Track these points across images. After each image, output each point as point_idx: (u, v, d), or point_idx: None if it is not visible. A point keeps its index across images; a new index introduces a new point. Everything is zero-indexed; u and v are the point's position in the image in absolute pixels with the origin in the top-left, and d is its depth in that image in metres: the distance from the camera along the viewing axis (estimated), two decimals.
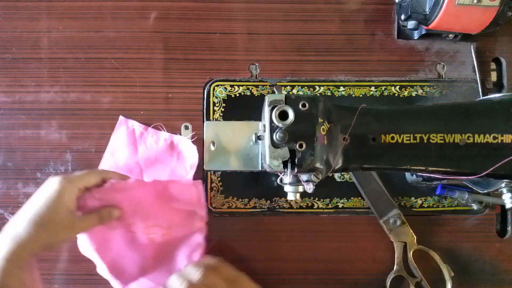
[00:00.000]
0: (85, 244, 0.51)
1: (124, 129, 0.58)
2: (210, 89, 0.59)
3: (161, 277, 0.52)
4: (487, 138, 0.42)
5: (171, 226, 0.53)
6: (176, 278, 0.46)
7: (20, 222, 0.43)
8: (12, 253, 0.41)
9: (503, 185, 0.48)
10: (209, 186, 0.58)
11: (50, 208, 0.43)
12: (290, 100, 0.40)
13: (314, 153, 0.39)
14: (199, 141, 0.58)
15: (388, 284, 0.56)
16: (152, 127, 0.58)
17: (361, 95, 0.59)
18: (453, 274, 0.55)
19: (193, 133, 0.57)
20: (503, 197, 0.50)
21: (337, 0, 0.61)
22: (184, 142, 0.57)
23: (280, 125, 0.40)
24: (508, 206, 0.49)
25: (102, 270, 0.51)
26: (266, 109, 0.40)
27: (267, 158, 0.40)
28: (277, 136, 0.39)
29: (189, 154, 0.57)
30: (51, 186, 0.45)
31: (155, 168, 0.58)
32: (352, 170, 0.45)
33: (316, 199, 0.58)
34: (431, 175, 0.46)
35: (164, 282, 0.47)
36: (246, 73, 0.60)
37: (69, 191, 0.45)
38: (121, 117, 0.58)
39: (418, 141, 0.42)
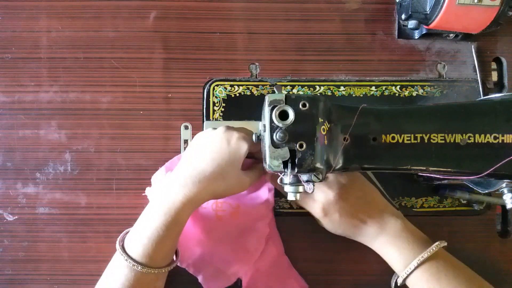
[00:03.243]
0: None
1: None
2: (210, 88, 0.59)
3: (220, 258, 0.53)
4: (488, 138, 0.41)
5: (239, 205, 0.54)
6: None
7: (206, 170, 0.47)
8: (193, 196, 0.46)
9: (503, 185, 0.48)
10: None
11: (235, 166, 0.48)
12: (290, 100, 0.40)
13: (315, 153, 0.39)
14: None
15: (392, 284, 0.56)
16: None
17: (361, 95, 0.59)
18: None
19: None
20: (504, 197, 0.49)
21: None
22: None
23: (280, 125, 0.39)
24: (509, 206, 0.49)
25: None
26: (266, 109, 0.40)
27: (267, 158, 0.40)
28: (277, 136, 0.39)
29: None
30: (239, 146, 0.47)
31: None
32: (353, 170, 0.44)
33: None
34: (432, 175, 0.46)
35: None
36: (246, 73, 0.60)
37: (246, 153, 0.48)
38: None
39: (418, 141, 0.42)
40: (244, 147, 0.47)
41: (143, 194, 0.56)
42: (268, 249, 0.55)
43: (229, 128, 0.49)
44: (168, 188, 0.47)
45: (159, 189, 0.49)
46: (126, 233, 0.48)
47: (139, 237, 0.46)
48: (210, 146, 0.48)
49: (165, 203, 0.46)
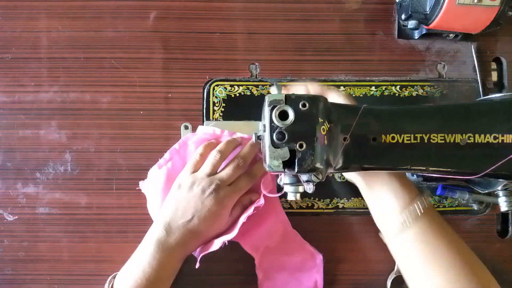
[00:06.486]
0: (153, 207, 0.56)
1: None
2: (210, 89, 0.59)
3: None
4: (488, 138, 0.41)
5: None
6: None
7: (196, 229, 0.50)
8: (182, 244, 0.50)
9: (499, 188, 0.48)
10: None
11: (221, 222, 0.52)
12: (290, 100, 0.40)
13: (314, 153, 0.39)
14: None
15: (388, 284, 0.56)
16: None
17: (361, 95, 0.59)
18: None
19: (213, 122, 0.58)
20: (499, 200, 0.50)
21: None
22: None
23: (280, 125, 0.39)
24: (502, 209, 0.49)
25: None
26: (266, 109, 0.40)
27: (267, 158, 0.40)
28: (277, 136, 0.39)
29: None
30: (226, 205, 0.51)
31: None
32: (353, 170, 0.44)
33: (316, 199, 0.58)
34: (432, 175, 0.46)
35: None
36: (246, 73, 0.60)
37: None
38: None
39: (418, 141, 0.42)
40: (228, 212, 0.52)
41: (137, 188, 0.57)
42: (274, 226, 0.55)
43: (218, 189, 0.50)
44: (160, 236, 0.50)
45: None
46: (114, 276, 0.51)
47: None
48: (199, 209, 0.50)
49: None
